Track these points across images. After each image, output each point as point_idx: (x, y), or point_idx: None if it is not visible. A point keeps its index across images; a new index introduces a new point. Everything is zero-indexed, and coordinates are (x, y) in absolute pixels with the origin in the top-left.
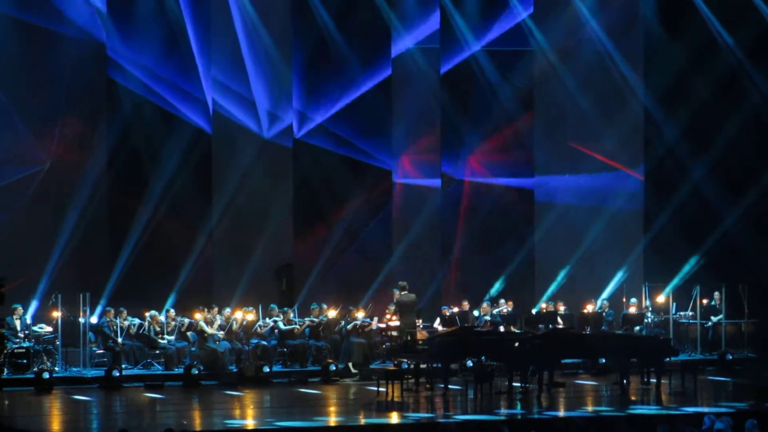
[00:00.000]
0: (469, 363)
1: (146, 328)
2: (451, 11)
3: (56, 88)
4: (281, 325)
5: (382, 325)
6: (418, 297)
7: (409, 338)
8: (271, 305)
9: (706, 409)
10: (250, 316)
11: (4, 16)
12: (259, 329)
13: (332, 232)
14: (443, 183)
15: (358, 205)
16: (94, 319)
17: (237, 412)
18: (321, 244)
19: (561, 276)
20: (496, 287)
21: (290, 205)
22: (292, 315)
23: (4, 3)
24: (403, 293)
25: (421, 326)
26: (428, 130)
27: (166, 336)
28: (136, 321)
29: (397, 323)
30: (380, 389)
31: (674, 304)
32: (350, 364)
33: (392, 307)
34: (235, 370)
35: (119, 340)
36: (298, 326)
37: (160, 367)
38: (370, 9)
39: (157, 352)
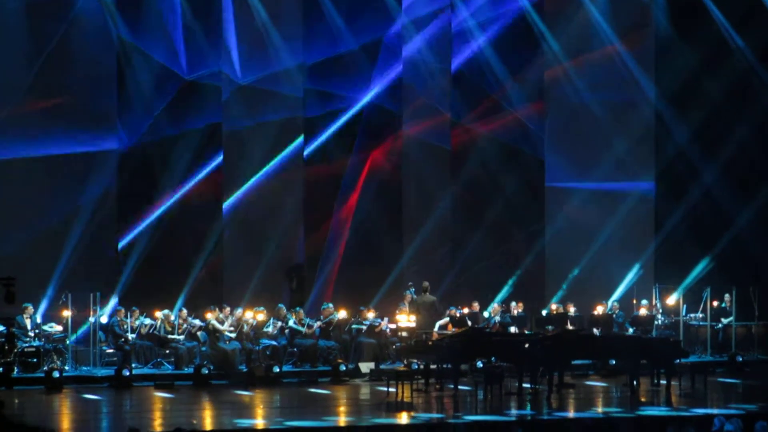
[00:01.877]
0: (479, 364)
1: (157, 328)
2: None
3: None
4: (293, 324)
5: (393, 326)
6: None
7: (424, 338)
8: (279, 305)
9: (716, 411)
10: (261, 317)
11: (15, 11)
12: (269, 331)
13: (343, 231)
14: (454, 183)
15: (368, 205)
16: (104, 319)
17: (247, 411)
18: (331, 244)
19: (571, 277)
20: (506, 289)
21: (301, 205)
22: (303, 315)
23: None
24: (423, 295)
25: (437, 328)
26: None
27: (176, 335)
28: (148, 321)
29: (413, 324)
30: (390, 390)
31: (685, 305)
32: (360, 365)
33: (404, 307)
34: (245, 369)
35: (130, 338)
36: (307, 327)
37: (170, 367)
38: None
39: (167, 351)
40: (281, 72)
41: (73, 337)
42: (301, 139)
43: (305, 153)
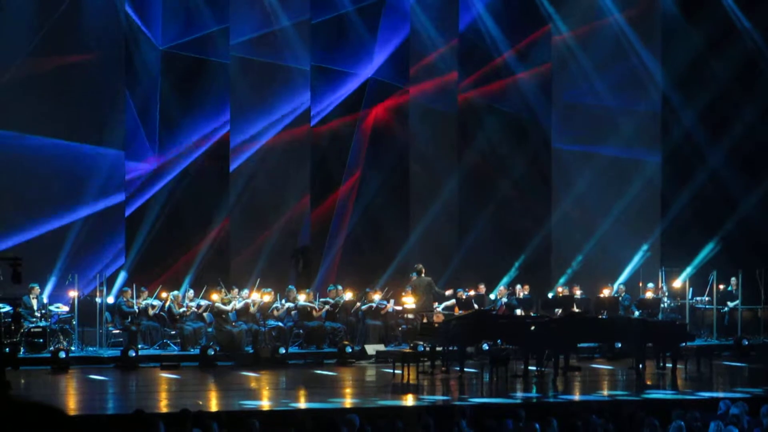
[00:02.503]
0: (485, 346)
1: (165, 308)
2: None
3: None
4: (302, 301)
5: (399, 308)
6: (435, 280)
7: (425, 320)
8: (289, 287)
9: (721, 395)
10: (267, 298)
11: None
12: (275, 311)
13: (349, 213)
14: (461, 165)
15: (376, 187)
16: (110, 299)
17: (253, 392)
18: (337, 225)
19: (577, 260)
20: (512, 271)
21: (307, 186)
22: (311, 297)
23: None
24: (418, 276)
25: (439, 309)
26: (445, 109)
27: (185, 316)
28: (156, 302)
29: (413, 305)
30: (396, 372)
31: (691, 289)
32: (366, 346)
33: (409, 290)
34: (251, 351)
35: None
36: (316, 308)
37: (176, 348)
38: None
39: (173, 332)
40: (285, 45)
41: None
42: (308, 103)
43: (312, 121)
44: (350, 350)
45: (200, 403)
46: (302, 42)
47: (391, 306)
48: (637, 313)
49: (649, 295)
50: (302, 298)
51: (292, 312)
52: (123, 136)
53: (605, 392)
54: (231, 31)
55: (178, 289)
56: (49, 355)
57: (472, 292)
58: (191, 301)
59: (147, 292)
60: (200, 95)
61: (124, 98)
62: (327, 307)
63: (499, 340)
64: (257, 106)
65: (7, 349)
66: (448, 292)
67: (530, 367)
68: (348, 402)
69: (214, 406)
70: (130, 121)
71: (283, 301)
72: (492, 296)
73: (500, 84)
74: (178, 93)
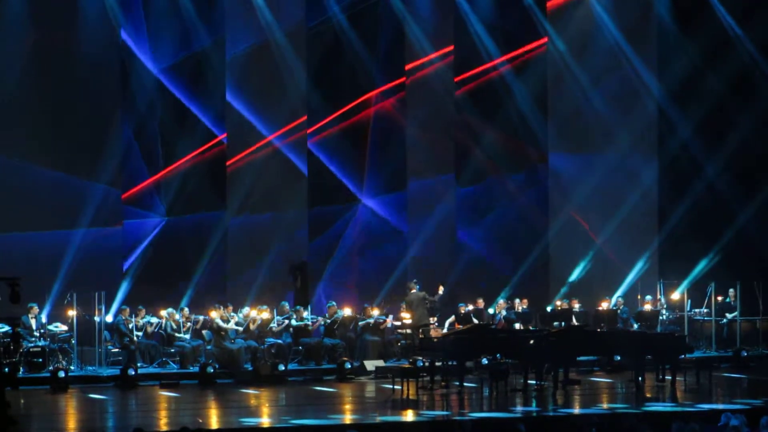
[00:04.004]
0: (485, 361)
1: (163, 326)
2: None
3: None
4: (294, 321)
5: (397, 323)
6: (432, 295)
7: (422, 336)
8: (282, 302)
9: (721, 407)
10: (265, 315)
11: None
12: (274, 328)
13: (347, 230)
14: (457, 181)
15: (372, 200)
16: (109, 318)
17: (252, 410)
18: (336, 242)
19: (576, 273)
20: (512, 284)
21: (305, 203)
22: (305, 313)
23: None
24: (412, 291)
25: (435, 324)
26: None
27: (182, 334)
28: (154, 319)
29: (409, 321)
30: (395, 387)
31: (689, 301)
32: (365, 362)
33: (403, 305)
34: (250, 368)
35: (135, 337)
36: (311, 323)
37: (175, 366)
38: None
39: (173, 350)
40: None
41: None
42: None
43: (309, 136)
44: (349, 366)
45: (200, 420)
46: (297, 54)
47: (390, 321)
48: (635, 325)
49: (647, 307)
50: (294, 318)
51: (290, 329)
52: (119, 160)
53: (605, 405)
54: (227, 44)
55: (176, 308)
56: (48, 374)
57: (470, 307)
58: (188, 320)
59: (144, 310)
60: (197, 111)
61: (121, 121)
62: (320, 321)
63: (498, 355)
64: (254, 121)
65: (7, 369)
66: (440, 291)
67: (530, 381)
68: (348, 418)
69: (214, 423)
70: (125, 140)
71: (280, 318)
72: (491, 310)
73: (496, 96)
74: (174, 111)
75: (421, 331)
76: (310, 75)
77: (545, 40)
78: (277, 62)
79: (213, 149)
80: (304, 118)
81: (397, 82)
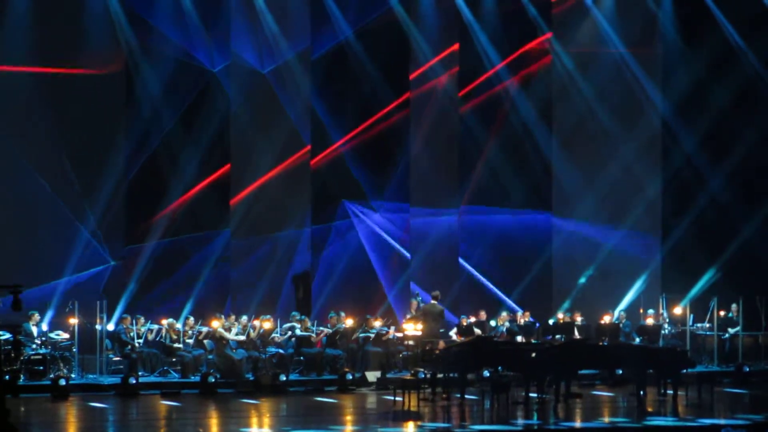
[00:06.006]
0: (486, 373)
1: (162, 336)
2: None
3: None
4: (298, 331)
5: (399, 334)
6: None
7: (428, 347)
8: (293, 312)
9: (722, 421)
10: (267, 324)
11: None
12: (276, 337)
13: (349, 240)
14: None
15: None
16: (110, 326)
17: (253, 420)
18: (338, 253)
19: (578, 286)
20: (514, 297)
21: (308, 213)
22: (309, 324)
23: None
24: (431, 303)
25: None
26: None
27: (184, 342)
28: (154, 327)
29: (419, 333)
30: (397, 399)
31: (691, 315)
32: (367, 373)
33: (410, 316)
34: (251, 378)
35: (136, 344)
36: (314, 334)
37: (176, 375)
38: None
39: (174, 360)
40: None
41: None
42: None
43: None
44: (351, 377)
45: (201, 430)
46: (303, 76)
47: (392, 333)
48: (637, 339)
49: (649, 321)
50: (298, 328)
51: (293, 338)
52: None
53: (606, 419)
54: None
55: (178, 318)
56: (49, 382)
57: (472, 319)
58: (191, 329)
59: (143, 318)
60: (201, 127)
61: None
62: (324, 332)
63: (499, 367)
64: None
65: (7, 377)
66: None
67: (531, 394)
68: (349, 429)
69: None
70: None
71: (285, 325)
72: (493, 323)
73: (501, 110)
74: (181, 127)
75: (428, 343)
76: (315, 96)
77: (550, 54)
78: (285, 85)
79: (217, 156)
80: (308, 147)
81: (402, 99)
